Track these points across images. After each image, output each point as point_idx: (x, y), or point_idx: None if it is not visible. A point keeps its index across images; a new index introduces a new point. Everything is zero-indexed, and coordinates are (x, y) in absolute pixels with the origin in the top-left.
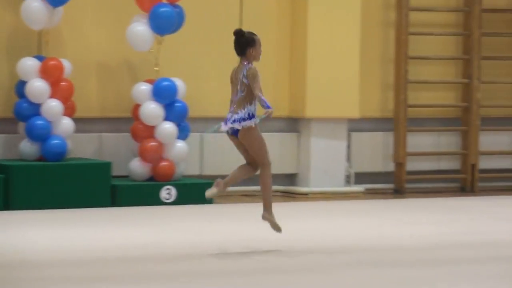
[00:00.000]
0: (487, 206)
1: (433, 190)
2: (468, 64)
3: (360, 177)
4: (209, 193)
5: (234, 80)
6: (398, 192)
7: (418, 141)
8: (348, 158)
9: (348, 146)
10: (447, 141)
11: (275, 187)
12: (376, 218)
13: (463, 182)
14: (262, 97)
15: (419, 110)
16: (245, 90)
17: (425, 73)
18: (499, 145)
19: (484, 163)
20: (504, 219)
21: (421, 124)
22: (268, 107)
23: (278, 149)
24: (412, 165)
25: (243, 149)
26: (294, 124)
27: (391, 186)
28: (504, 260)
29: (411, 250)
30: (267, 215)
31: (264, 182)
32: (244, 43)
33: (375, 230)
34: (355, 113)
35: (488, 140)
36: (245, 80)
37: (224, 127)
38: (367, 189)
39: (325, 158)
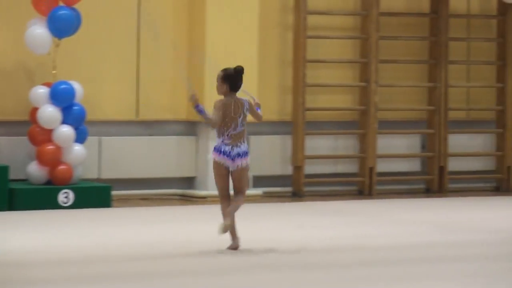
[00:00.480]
0: (385, 209)
1: (331, 193)
2: (366, 67)
3: (259, 180)
4: (223, 227)
5: (232, 114)
6: (296, 195)
7: (316, 144)
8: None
9: None
10: (345, 144)
11: (172, 191)
12: (274, 221)
13: (361, 185)
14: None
15: (317, 113)
16: (245, 124)
17: (323, 76)
18: (396, 148)
19: (382, 166)
20: (401, 222)
21: (319, 127)
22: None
23: (175, 152)
24: (310, 168)
25: (227, 178)
26: (192, 127)
27: (289, 189)
28: (399, 263)
29: (308, 252)
30: (225, 220)
31: (238, 205)
32: (241, 79)
33: (273, 233)
34: None
35: (386, 143)
36: (247, 113)
37: (218, 157)
38: (265, 192)
39: None
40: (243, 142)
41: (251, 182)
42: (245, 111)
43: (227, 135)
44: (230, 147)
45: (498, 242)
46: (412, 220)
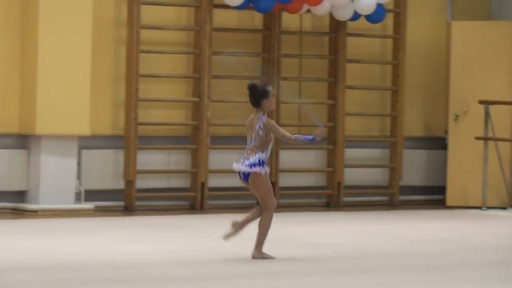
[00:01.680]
0: (215, 224)
1: (163, 207)
2: (199, 82)
3: (91, 195)
4: (226, 234)
5: (249, 129)
6: (128, 209)
7: (148, 159)
8: (79, 176)
9: (79, 164)
10: (178, 159)
11: (3, 204)
12: (105, 235)
13: (193, 200)
14: (295, 137)
15: (150, 128)
16: (259, 140)
17: (156, 91)
18: (229, 163)
19: (214, 181)
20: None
21: (151, 142)
22: (307, 138)
23: (6, 166)
24: (143, 182)
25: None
26: (23, 141)
27: (121, 203)
28: (228, 277)
29: (137, 267)
30: (257, 254)
31: (263, 224)
32: (258, 95)
33: (104, 247)
34: (85, 131)
35: (218, 158)
36: (260, 132)
37: (235, 166)
38: (97, 207)
39: (55, 175)
40: (254, 155)
41: (82, 196)
42: (257, 128)
43: (246, 148)
44: (243, 159)
45: (325, 257)
46: (242, 235)
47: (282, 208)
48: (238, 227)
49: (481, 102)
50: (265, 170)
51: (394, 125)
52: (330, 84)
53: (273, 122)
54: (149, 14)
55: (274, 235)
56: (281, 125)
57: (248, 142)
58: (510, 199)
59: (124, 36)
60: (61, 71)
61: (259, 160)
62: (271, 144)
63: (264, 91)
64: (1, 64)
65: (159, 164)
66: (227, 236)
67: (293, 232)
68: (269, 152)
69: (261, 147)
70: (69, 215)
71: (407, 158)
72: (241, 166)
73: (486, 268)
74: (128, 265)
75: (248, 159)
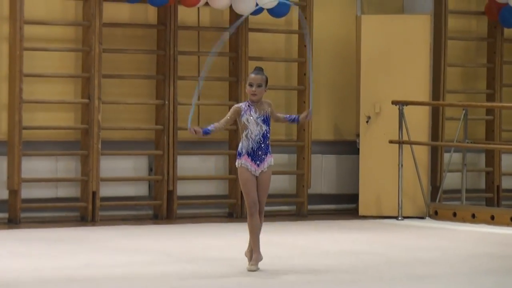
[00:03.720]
0: (109, 237)
1: (51, 219)
2: (88, 82)
3: None
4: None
5: None
6: (12, 222)
7: (34, 166)
8: None
9: None
10: (66, 166)
11: None
12: None
13: (83, 211)
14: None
15: (36, 133)
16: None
17: (42, 92)
18: (122, 170)
19: (106, 190)
20: (126, 251)
21: (37, 147)
22: (291, 118)
23: None
24: (28, 192)
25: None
26: None
27: (5, 215)
28: None
29: (23, 285)
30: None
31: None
32: None
33: None
34: None
35: (110, 165)
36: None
37: None
38: None
39: None
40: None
41: None
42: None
43: None
44: None
45: (223, 274)
46: (139, 249)
47: (181, 219)
48: (249, 252)
49: (394, 102)
50: (241, 162)
51: (301, 128)
52: (232, 84)
53: (234, 106)
54: (33, 8)
55: (171, 249)
56: (178, 129)
57: None
58: (427, 207)
59: (6, 32)
60: None
61: (239, 151)
62: (246, 131)
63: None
64: None
65: (46, 172)
66: (252, 268)
67: (193, 244)
68: (250, 141)
69: (241, 136)
70: None
71: (315, 164)
72: None
73: (406, 283)
74: (13, 283)
75: None
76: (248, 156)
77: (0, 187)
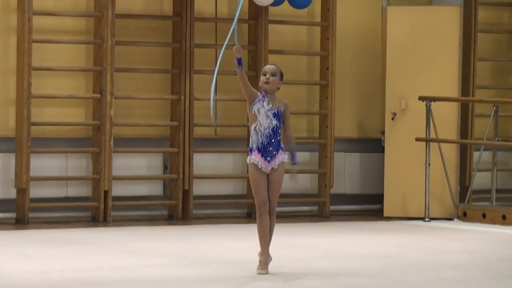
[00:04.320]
0: (121, 238)
1: (61, 220)
2: (100, 76)
3: None
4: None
5: None
6: (20, 222)
7: (43, 164)
8: None
9: None
10: (77, 164)
11: None
12: None
13: (95, 211)
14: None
15: (45, 129)
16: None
17: (51, 86)
18: (135, 169)
19: (118, 190)
20: (140, 253)
21: (47, 144)
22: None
23: None
24: (37, 191)
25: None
26: None
27: (12, 215)
28: None
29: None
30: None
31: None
32: None
33: None
34: None
35: (123, 163)
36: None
37: None
38: None
39: None
40: None
41: None
42: None
43: None
44: None
45: (250, 276)
46: (153, 251)
47: (197, 219)
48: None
49: (421, 98)
50: (251, 158)
51: (324, 124)
52: (251, 79)
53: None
54: None
55: (186, 252)
56: (194, 125)
57: None
58: (456, 208)
59: (14, 23)
60: None
61: (250, 147)
62: (255, 123)
63: None
64: None
65: (56, 170)
66: (262, 271)
67: (210, 246)
68: (259, 135)
69: (251, 130)
70: None
71: (338, 162)
72: None
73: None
74: (20, 285)
75: None
76: (259, 152)
77: (8, 186)
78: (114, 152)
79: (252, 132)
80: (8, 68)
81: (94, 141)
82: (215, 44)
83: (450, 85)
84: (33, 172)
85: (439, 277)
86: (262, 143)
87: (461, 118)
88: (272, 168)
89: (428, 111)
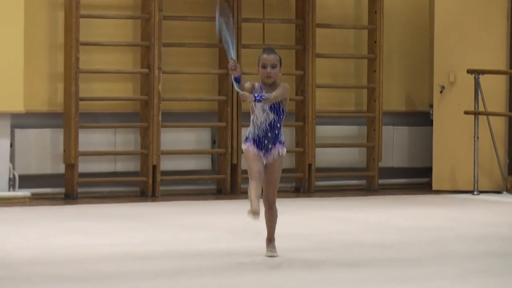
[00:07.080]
0: (169, 213)
1: (110, 194)
2: (148, 51)
3: (26, 181)
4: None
5: None
6: (69, 197)
7: (91, 139)
8: (12, 159)
9: (12, 145)
10: (125, 139)
11: None
12: (44, 227)
13: (143, 186)
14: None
15: (93, 104)
16: None
17: (99, 61)
18: (184, 143)
19: (167, 164)
20: (187, 228)
21: (95, 119)
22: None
23: None
24: (85, 166)
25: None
26: None
27: (61, 190)
28: (169, 275)
29: (80, 263)
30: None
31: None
32: None
33: (43, 240)
34: (19, 107)
35: (171, 137)
36: None
37: None
38: (34, 194)
39: None
40: None
41: (16, 182)
42: None
43: None
44: None
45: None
46: (202, 225)
47: (245, 194)
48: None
49: (470, 71)
50: (246, 145)
51: (372, 98)
52: (298, 53)
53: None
54: None
55: (235, 226)
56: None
57: None
58: (505, 181)
59: None
60: None
61: (246, 136)
62: (253, 116)
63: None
64: None
65: (104, 145)
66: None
67: (259, 220)
68: (255, 128)
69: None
70: (1, 204)
71: (386, 136)
72: None
73: (481, 260)
74: (70, 260)
75: None
76: (254, 143)
77: (57, 161)
78: (162, 126)
79: (250, 123)
80: (56, 43)
81: (142, 116)
82: (263, 19)
83: (498, 58)
84: (81, 147)
85: (487, 250)
86: (258, 135)
87: (509, 91)
88: (268, 162)
89: (477, 84)
